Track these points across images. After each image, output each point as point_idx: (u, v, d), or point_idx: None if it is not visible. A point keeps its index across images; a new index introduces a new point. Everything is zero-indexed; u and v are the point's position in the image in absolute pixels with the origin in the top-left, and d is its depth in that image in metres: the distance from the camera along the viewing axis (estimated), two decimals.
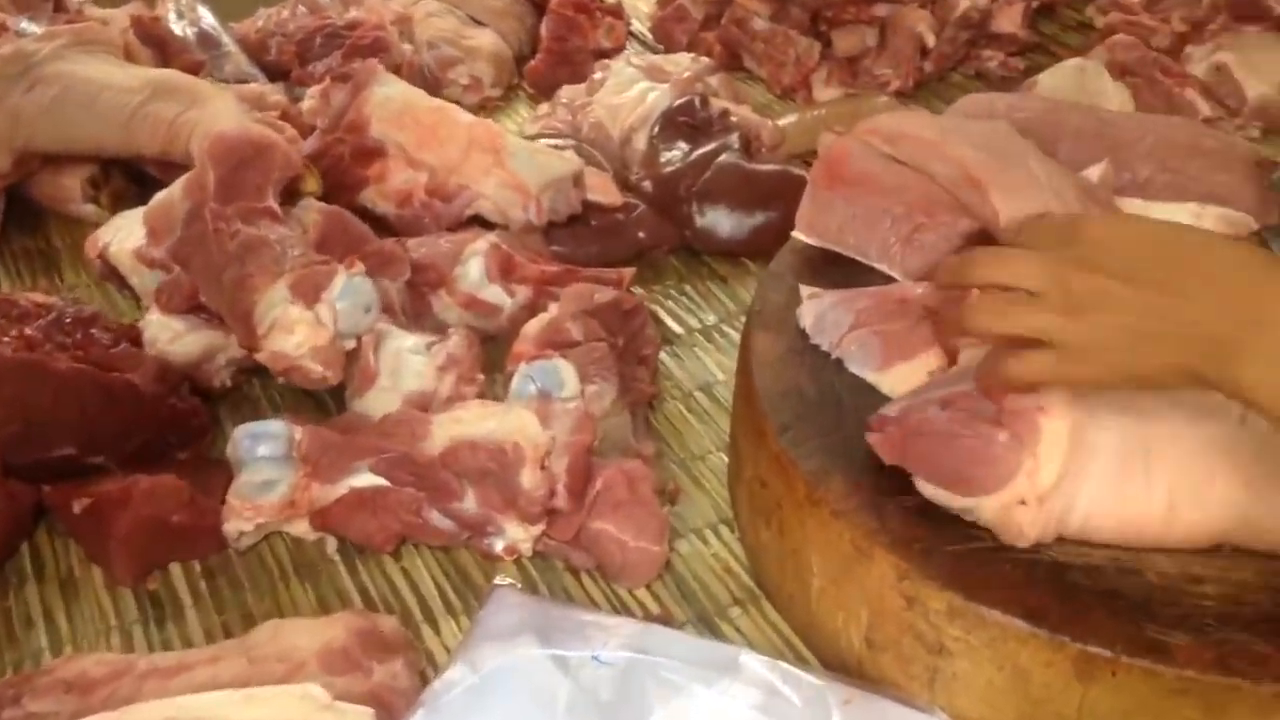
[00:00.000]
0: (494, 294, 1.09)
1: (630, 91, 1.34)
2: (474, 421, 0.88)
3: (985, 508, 0.72)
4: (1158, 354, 0.64)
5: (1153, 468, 0.72)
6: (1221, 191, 0.95)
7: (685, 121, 1.29)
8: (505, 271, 1.10)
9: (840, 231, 0.95)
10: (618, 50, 1.52)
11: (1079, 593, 0.69)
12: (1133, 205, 0.96)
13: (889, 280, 0.92)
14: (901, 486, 0.76)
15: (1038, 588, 0.70)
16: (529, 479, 0.85)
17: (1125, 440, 0.72)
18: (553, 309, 1.02)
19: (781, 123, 1.35)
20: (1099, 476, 0.72)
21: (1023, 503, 0.71)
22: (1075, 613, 0.68)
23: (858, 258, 0.94)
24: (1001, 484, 0.71)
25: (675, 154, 1.26)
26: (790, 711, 0.73)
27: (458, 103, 1.40)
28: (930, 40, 1.43)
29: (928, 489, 0.75)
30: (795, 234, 0.98)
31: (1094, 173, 0.97)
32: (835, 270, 0.95)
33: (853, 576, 0.75)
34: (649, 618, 0.84)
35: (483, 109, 1.44)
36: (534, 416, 0.88)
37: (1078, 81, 1.30)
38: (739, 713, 0.73)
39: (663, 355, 1.08)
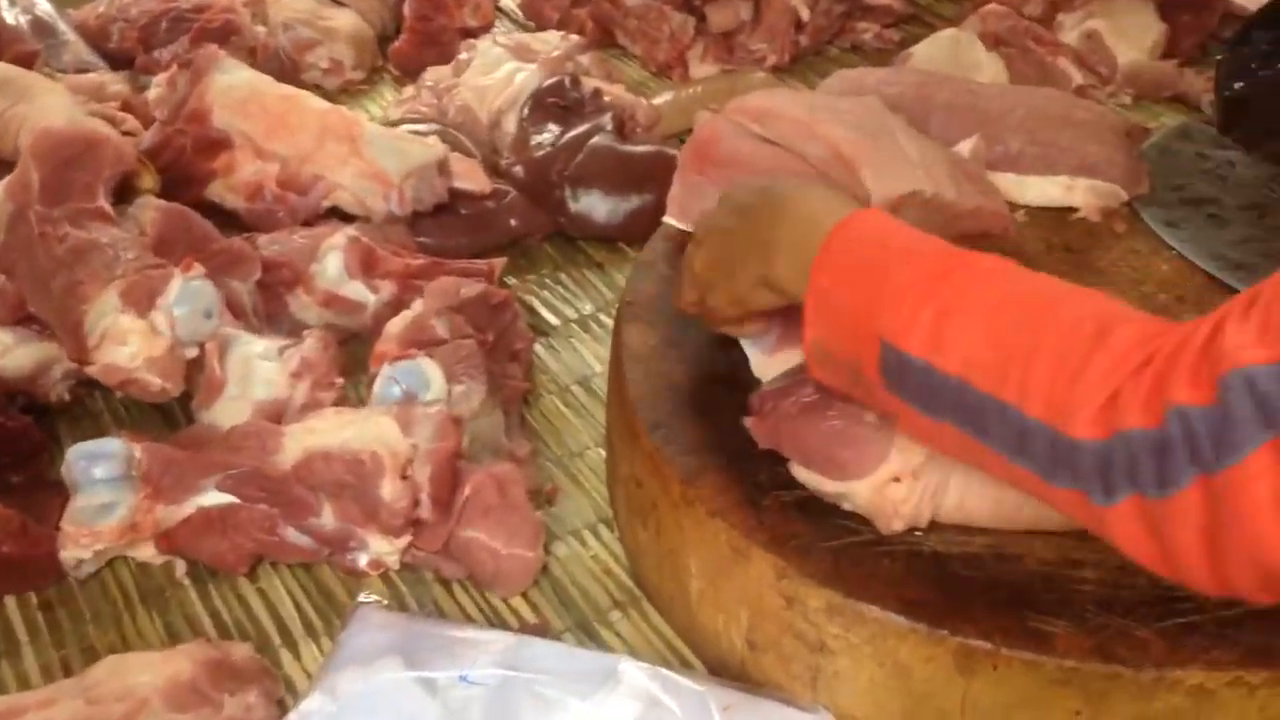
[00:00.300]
0: (355, 290, 1.04)
1: (498, 72, 1.29)
2: (329, 431, 0.83)
3: (859, 491, 0.71)
4: (741, 278, 0.72)
5: None
6: (1092, 163, 0.94)
7: (556, 103, 1.24)
8: (367, 266, 1.05)
9: None
10: (486, 29, 1.47)
11: (959, 584, 0.67)
12: (1004, 179, 0.94)
13: None
14: (777, 481, 0.73)
15: (917, 581, 0.68)
16: (389, 490, 0.80)
17: None
18: (417, 305, 0.97)
19: (656, 101, 1.31)
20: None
21: (896, 479, 0.70)
22: (955, 605, 0.66)
23: None
24: (872, 465, 0.70)
25: (546, 137, 1.21)
26: None
27: (318, 87, 1.35)
28: (805, 14, 1.40)
29: (802, 474, 0.73)
30: (666, 219, 0.94)
31: (965, 147, 0.95)
32: None
33: (731, 577, 0.72)
34: (525, 628, 0.80)
35: (345, 93, 1.38)
36: (393, 424, 0.83)
37: (951, 52, 1.28)
38: None
39: (538, 348, 1.04)
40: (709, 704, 0.71)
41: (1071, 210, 0.94)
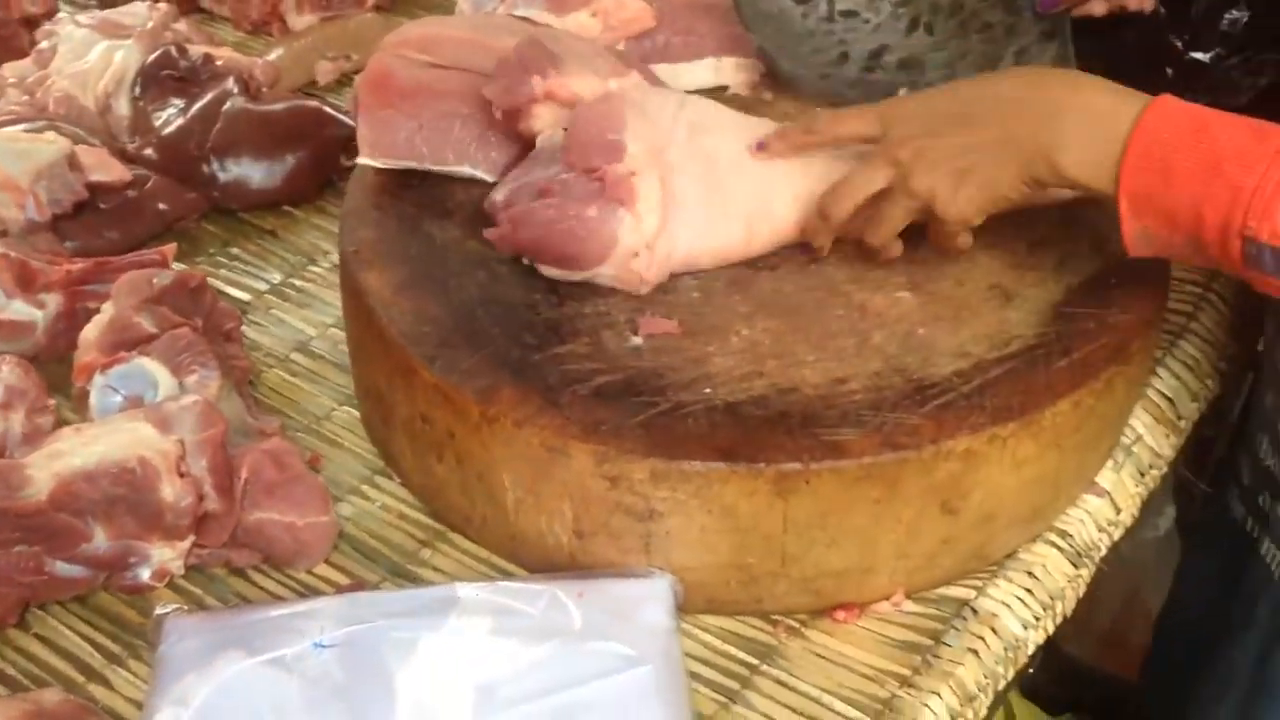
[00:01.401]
0: (19, 311, 0.95)
1: (90, 55, 1.19)
2: (78, 451, 0.77)
3: (604, 272, 0.82)
4: (998, 177, 0.76)
5: (728, 200, 0.85)
6: (732, 43, 1.03)
7: (170, 75, 1.17)
8: (24, 283, 0.95)
9: (410, 145, 0.92)
10: (50, 14, 1.33)
11: (756, 423, 0.75)
12: (661, 70, 1.01)
13: (477, 184, 0.91)
14: (566, 378, 0.77)
15: (722, 430, 0.74)
16: (170, 491, 0.76)
17: (703, 183, 0.84)
18: (107, 308, 0.90)
19: (271, 58, 1.26)
20: (690, 217, 0.83)
21: (636, 254, 0.81)
22: (761, 440, 0.73)
23: (436, 168, 0.92)
24: (607, 250, 0.81)
25: (171, 111, 1.14)
26: (529, 624, 0.73)
27: None
28: None
29: (552, 272, 0.83)
30: (361, 161, 0.93)
31: (619, 46, 1.01)
32: (415, 190, 0.92)
33: (551, 477, 0.75)
34: (343, 590, 0.79)
35: None
36: (148, 425, 0.78)
37: None
38: (480, 643, 0.72)
39: (241, 327, 1.00)
40: (559, 596, 0.74)
41: (723, 88, 1.03)
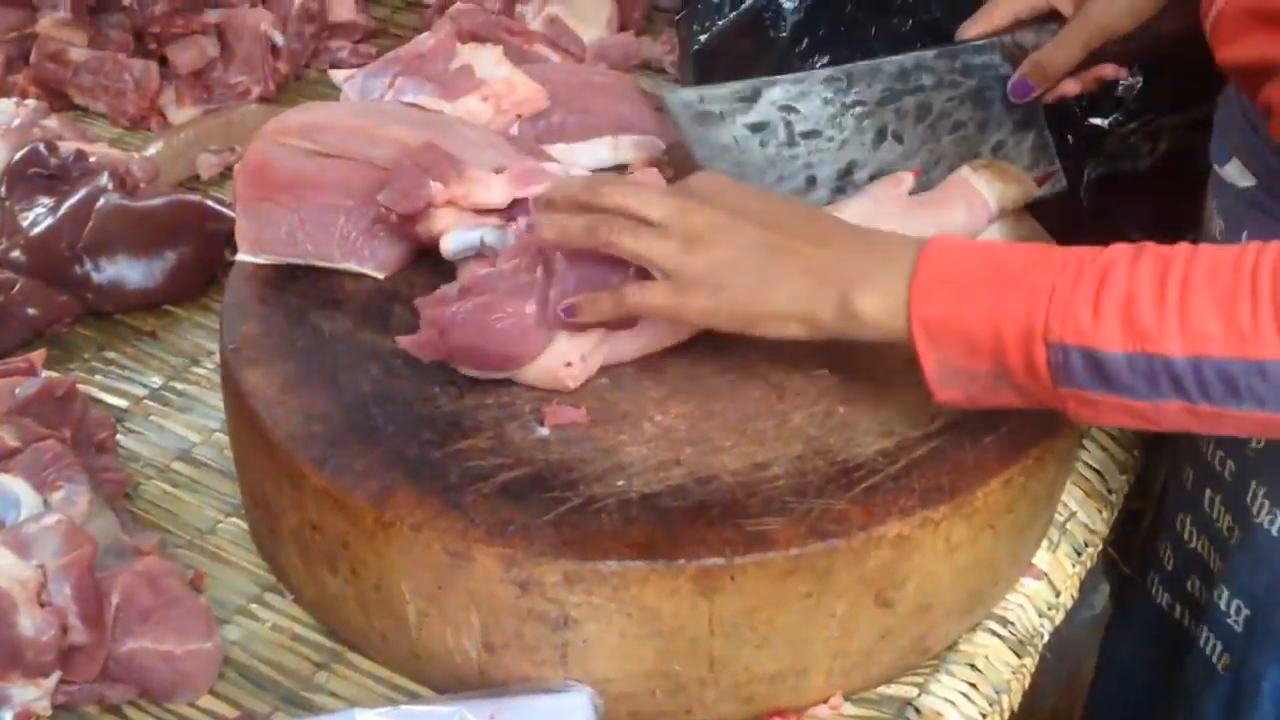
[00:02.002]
0: None
1: None
2: None
3: (528, 375, 0.77)
4: (774, 293, 0.69)
5: None
6: (627, 121, 1.00)
7: (38, 173, 1.10)
8: None
9: (292, 240, 0.86)
10: None
11: (674, 515, 0.70)
12: (558, 150, 0.98)
13: (362, 279, 0.86)
14: (468, 475, 0.72)
15: (637, 525, 0.69)
16: (30, 623, 0.68)
17: None
18: None
19: (149, 152, 1.21)
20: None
21: (569, 364, 0.76)
22: (679, 535, 0.69)
23: (321, 263, 0.87)
24: (541, 350, 0.75)
25: (40, 211, 1.07)
26: None
27: None
28: (279, 39, 1.35)
29: (470, 371, 0.78)
30: (240, 258, 0.87)
31: (513, 129, 0.97)
32: (301, 282, 0.86)
33: (454, 585, 0.69)
34: None
35: None
36: (6, 550, 0.70)
37: None
38: None
39: (117, 436, 0.92)
40: (469, 718, 0.68)
41: (623, 167, 1.00)
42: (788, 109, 0.89)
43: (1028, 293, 0.63)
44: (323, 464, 0.72)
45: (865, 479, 0.72)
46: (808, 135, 0.89)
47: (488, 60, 1.07)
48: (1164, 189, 1.00)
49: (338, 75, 1.03)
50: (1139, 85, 1.01)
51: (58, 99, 1.33)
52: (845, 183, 0.89)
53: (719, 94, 0.88)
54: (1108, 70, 0.92)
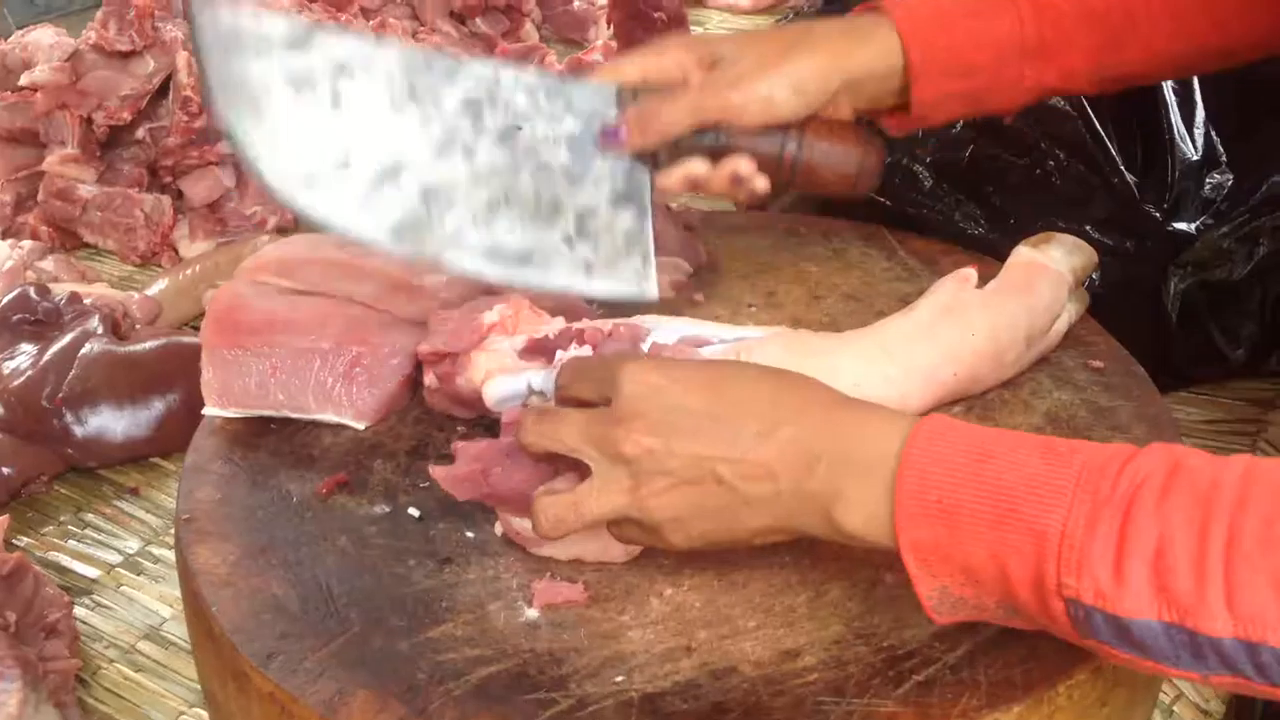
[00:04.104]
0: None
1: None
2: None
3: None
4: (745, 526, 0.59)
5: None
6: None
7: (24, 319, 1.04)
8: None
9: (263, 390, 0.77)
10: None
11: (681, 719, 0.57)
12: None
13: (341, 432, 0.76)
14: (437, 674, 0.60)
15: None
16: None
17: None
18: None
19: (151, 292, 1.14)
20: None
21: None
22: None
23: (295, 415, 0.77)
24: None
25: (22, 360, 1.01)
26: None
27: None
28: None
29: (514, 524, 0.66)
30: (207, 412, 0.78)
31: None
32: (274, 435, 0.77)
33: None
34: None
35: None
36: None
37: None
38: None
39: (80, 610, 0.83)
40: None
41: None
42: (343, 71, 0.72)
43: (1034, 533, 0.51)
44: (269, 660, 0.61)
45: (918, 670, 0.59)
46: (355, 110, 0.72)
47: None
48: (1263, 300, 0.87)
49: None
50: (1229, 184, 0.89)
51: (69, 238, 1.28)
52: (387, 182, 0.72)
53: (260, 21, 0.70)
54: (741, 165, 0.76)
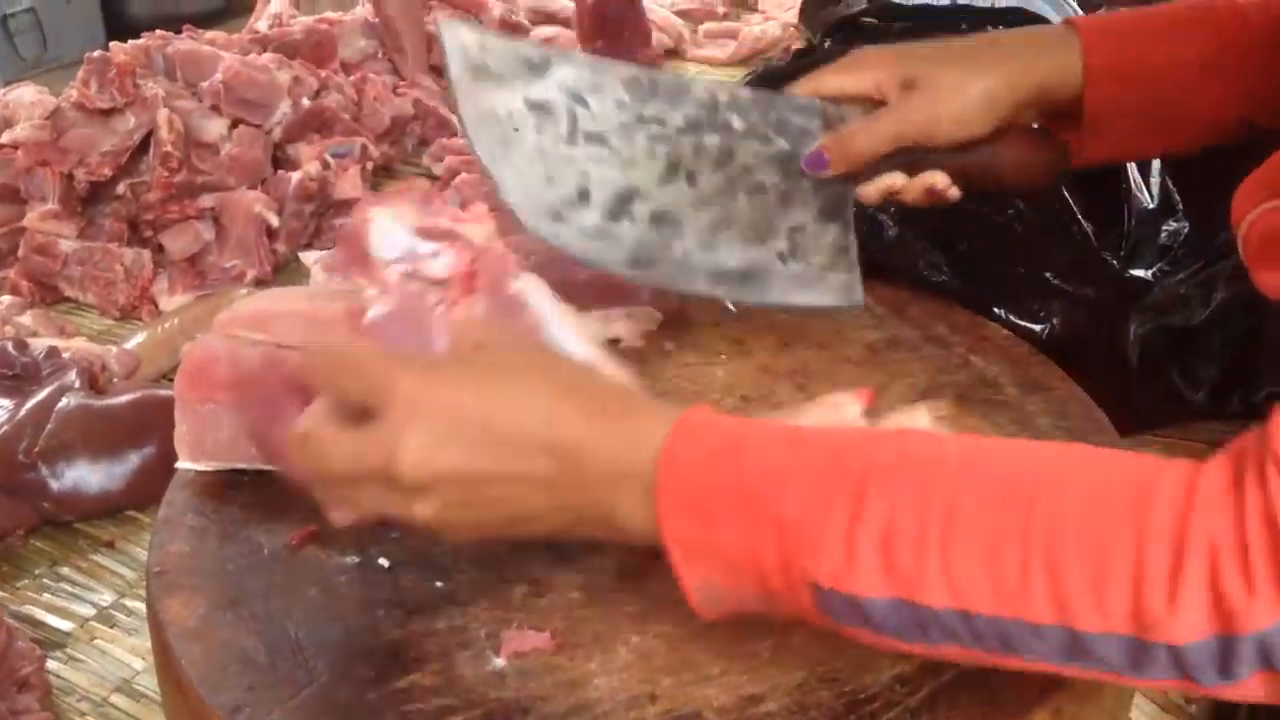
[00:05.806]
0: None
1: None
2: None
3: None
4: (530, 526, 0.59)
5: None
6: (618, 292, 0.91)
7: (3, 374, 1.05)
8: None
9: (235, 444, 0.78)
10: None
11: None
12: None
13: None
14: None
15: None
16: None
17: None
18: None
19: (130, 345, 1.15)
20: None
21: None
22: None
23: (268, 467, 0.78)
24: None
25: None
26: None
27: None
28: (274, 220, 1.31)
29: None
30: (180, 465, 0.79)
31: None
32: (247, 488, 0.77)
33: None
34: None
35: None
36: None
37: None
38: None
39: (54, 664, 0.83)
40: None
41: (615, 341, 0.91)
42: (577, 98, 0.75)
43: (776, 521, 0.53)
44: (235, 712, 0.62)
45: (879, 714, 0.60)
46: (591, 138, 0.75)
47: (478, 234, 1.00)
48: (1222, 344, 0.89)
49: (307, 257, 0.97)
50: (1185, 231, 0.91)
51: (48, 292, 1.29)
52: (621, 210, 0.75)
53: (502, 49, 0.73)
54: (938, 179, 0.79)
